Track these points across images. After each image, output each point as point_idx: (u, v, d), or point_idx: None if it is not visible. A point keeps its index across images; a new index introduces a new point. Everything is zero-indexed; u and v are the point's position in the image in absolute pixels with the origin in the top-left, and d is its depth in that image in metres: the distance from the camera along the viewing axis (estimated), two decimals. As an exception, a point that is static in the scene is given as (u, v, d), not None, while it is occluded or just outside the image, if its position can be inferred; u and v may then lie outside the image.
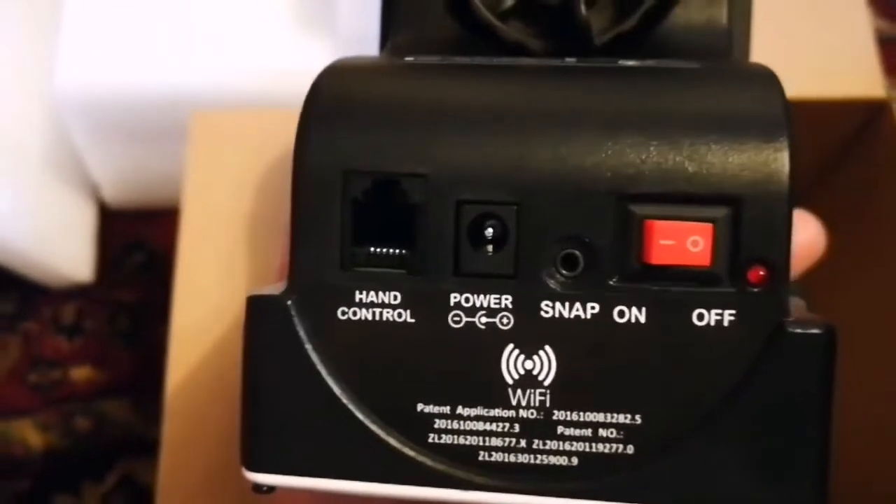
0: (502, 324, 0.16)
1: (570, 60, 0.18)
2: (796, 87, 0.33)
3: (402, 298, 0.16)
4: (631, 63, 0.18)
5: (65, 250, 0.51)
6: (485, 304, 0.16)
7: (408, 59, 0.19)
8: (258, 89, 0.42)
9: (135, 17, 0.44)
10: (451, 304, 0.16)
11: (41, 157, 0.48)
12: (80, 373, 0.51)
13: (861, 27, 0.35)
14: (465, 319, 0.16)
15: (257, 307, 0.17)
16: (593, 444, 0.16)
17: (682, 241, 0.15)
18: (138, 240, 0.55)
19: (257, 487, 0.17)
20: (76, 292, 0.53)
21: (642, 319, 0.16)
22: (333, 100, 0.17)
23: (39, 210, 0.48)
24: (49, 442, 0.49)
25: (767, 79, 0.17)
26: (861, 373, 0.35)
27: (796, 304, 0.16)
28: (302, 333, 0.16)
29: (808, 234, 0.22)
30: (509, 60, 0.18)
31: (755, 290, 0.16)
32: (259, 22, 0.44)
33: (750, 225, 0.15)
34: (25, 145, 0.47)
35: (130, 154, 0.49)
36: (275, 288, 0.17)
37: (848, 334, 0.39)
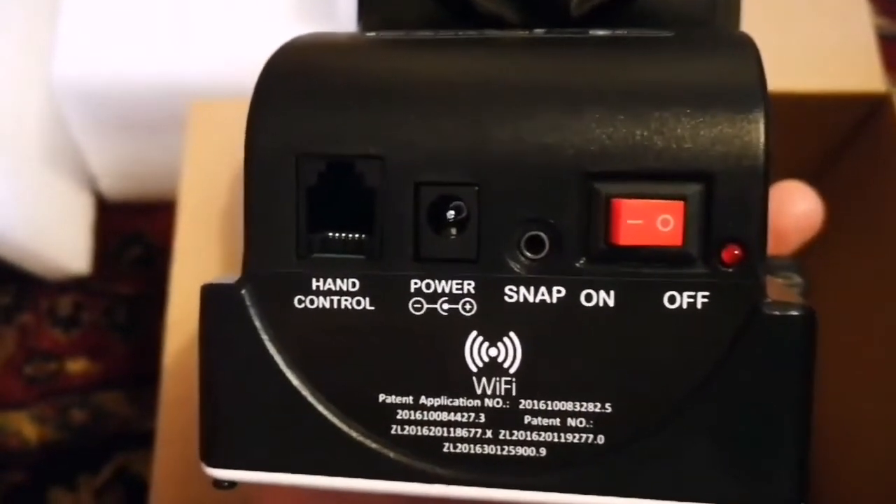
0: (465, 310, 0.15)
1: (539, 32, 0.18)
2: (797, 81, 0.34)
3: (361, 285, 0.16)
4: (600, 33, 0.17)
5: (62, 242, 0.51)
6: (446, 290, 0.15)
7: (369, 34, 0.18)
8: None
9: (133, 7, 0.44)
10: (412, 290, 0.15)
11: (38, 148, 0.48)
12: (77, 365, 0.51)
13: (861, 21, 0.35)
14: (426, 306, 0.15)
15: (211, 296, 0.16)
16: (562, 434, 0.15)
17: (652, 221, 0.15)
18: (136, 232, 0.55)
19: (217, 483, 0.16)
20: (73, 284, 0.53)
21: (611, 303, 0.15)
22: (285, 80, 0.16)
23: (36, 201, 0.48)
24: (45, 434, 0.49)
25: (742, 47, 0.16)
26: (859, 365, 0.35)
27: (774, 283, 0.16)
28: (257, 323, 0.16)
29: (806, 206, 0.22)
30: (473, 34, 0.18)
31: (729, 270, 0.15)
32: (258, 12, 0.44)
33: (723, 202, 0.15)
34: (23, 136, 0.47)
35: (129, 146, 0.49)
36: (231, 277, 0.16)
37: (848, 328, 0.39)
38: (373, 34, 0.18)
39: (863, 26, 0.35)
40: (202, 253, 0.33)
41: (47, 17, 0.46)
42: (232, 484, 0.16)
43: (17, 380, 0.51)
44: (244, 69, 0.43)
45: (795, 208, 0.22)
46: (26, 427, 0.50)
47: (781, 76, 0.36)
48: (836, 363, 0.37)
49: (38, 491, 0.48)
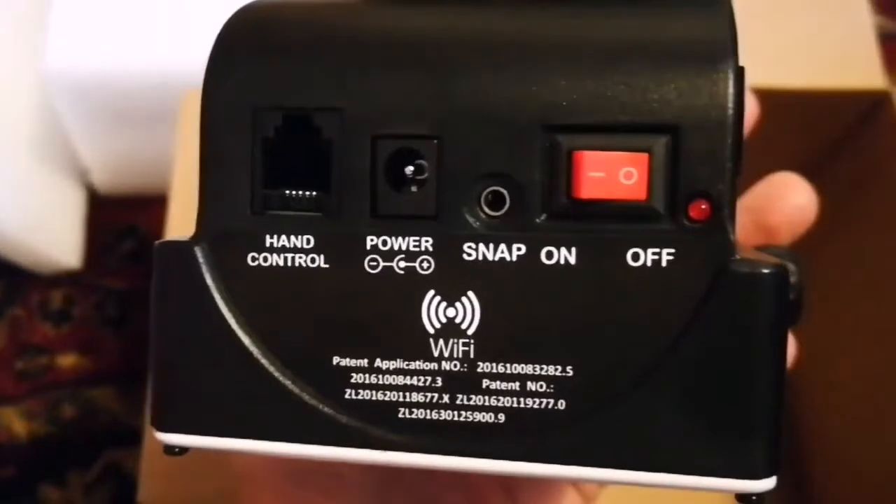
0: (422, 268, 0.15)
1: None
2: (797, 78, 0.33)
3: (316, 242, 0.15)
4: None
5: (53, 236, 0.51)
6: (403, 247, 0.15)
7: None
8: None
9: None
10: (368, 247, 0.15)
11: (30, 142, 0.48)
12: (67, 360, 0.51)
13: (861, 19, 0.35)
14: (382, 264, 0.15)
15: (163, 253, 0.15)
16: (521, 399, 0.15)
17: (615, 174, 0.14)
18: (128, 226, 0.54)
19: (168, 449, 0.16)
20: (64, 279, 0.52)
21: (572, 261, 0.14)
22: (243, 33, 0.15)
23: (28, 195, 0.48)
24: (34, 430, 0.49)
25: (715, 2, 0.15)
26: (857, 362, 0.35)
27: (751, 251, 0.15)
28: (209, 281, 0.15)
29: (799, 199, 0.21)
30: None
31: (697, 226, 0.14)
32: (253, 5, 0.44)
33: (689, 155, 0.14)
34: (14, 129, 0.47)
35: (121, 139, 0.48)
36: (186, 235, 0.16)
37: (848, 325, 0.38)
38: None
39: (863, 24, 0.35)
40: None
41: (39, 8, 0.45)
42: (183, 450, 0.16)
43: (8, 374, 0.50)
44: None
45: (789, 201, 0.21)
46: (16, 422, 0.49)
47: (782, 73, 0.36)
48: (832, 359, 0.36)
49: (27, 486, 0.48)
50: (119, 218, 0.54)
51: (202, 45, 0.47)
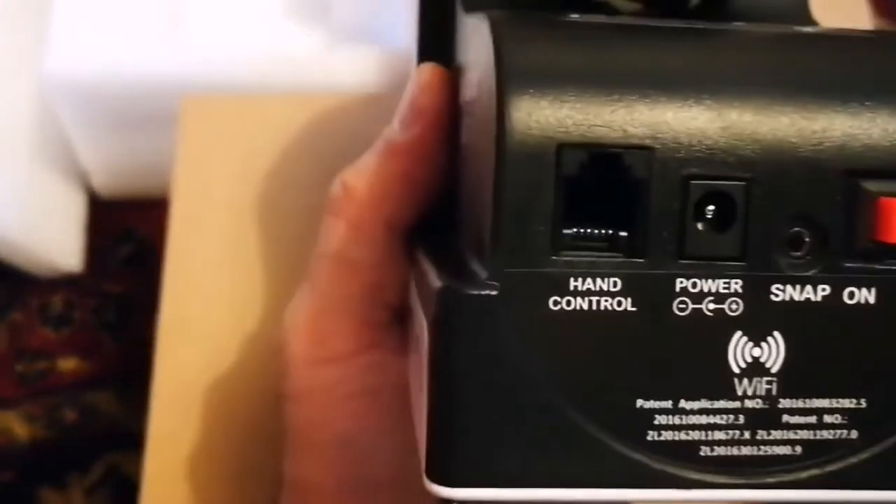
0: (731, 310, 0.15)
1: (721, 25, 0.17)
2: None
3: (623, 285, 0.15)
4: (804, 30, 0.17)
5: (53, 239, 0.51)
6: (713, 290, 0.15)
7: (571, 17, 0.17)
8: (251, 76, 0.42)
9: (126, 2, 0.44)
10: (677, 289, 0.15)
11: (29, 145, 0.48)
12: (67, 364, 0.51)
13: (860, 22, 0.35)
14: (691, 306, 0.15)
15: (454, 300, 0.15)
16: (818, 432, 0.15)
17: None
18: (128, 230, 0.54)
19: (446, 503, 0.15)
20: (64, 282, 0.52)
21: (872, 300, 0.15)
22: (534, 63, 0.15)
23: (27, 198, 0.47)
24: (34, 433, 0.49)
25: None
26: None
27: None
28: (509, 328, 0.15)
29: None
30: (684, 23, 0.17)
31: None
32: (252, 8, 0.44)
33: None
34: (13, 132, 0.47)
35: (121, 142, 0.48)
36: (445, 277, 0.15)
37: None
38: (575, 16, 0.17)
39: (861, 27, 0.35)
40: (195, 249, 0.33)
41: (38, 11, 0.45)
42: None
43: (8, 378, 0.50)
44: (237, 65, 0.43)
45: None
46: (16, 426, 0.49)
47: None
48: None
49: (27, 490, 0.47)
50: (119, 221, 0.54)
51: (201, 50, 0.47)
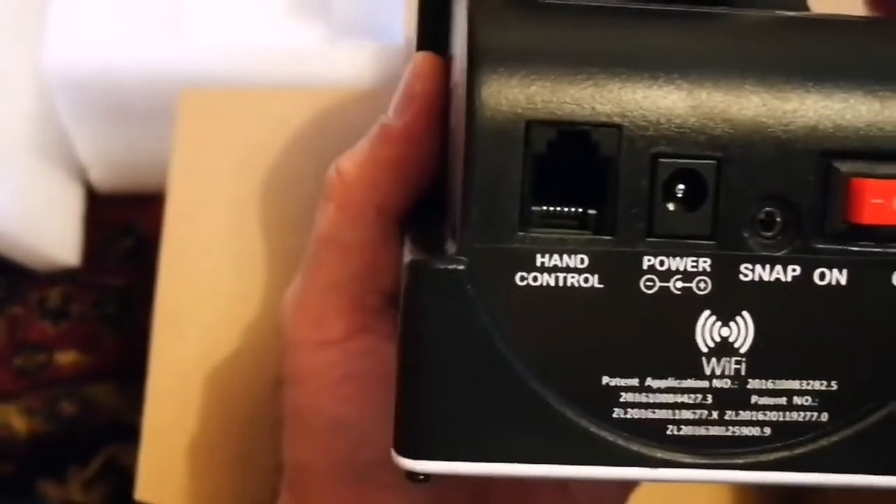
0: (699, 288, 0.15)
1: (702, 8, 0.17)
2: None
3: (590, 262, 0.15)
4: (779, 13, 0.17)
5: (52, 234, 0.51)
6: (681, 268, 0.15)
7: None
8: (250, 70, 0.42)
9: (125, -4, 0.44)
10: (644, 267, 0.15)
11: (28, 139, 0.48)
12: (66, 357, 0.51)
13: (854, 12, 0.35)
14: (658, 284, 0.15)
15: (423, 273, 0.15)
16: (787, 413, 0.15)
17: (890, 200, 0.15)
18: (127, 224, 0.54)
19: (413, 476, 0.16)
20: (63, 276, 0.52)
21: (843, 282, 0.15)
22: (509, 41, 0.15)
23: (26, 193, 0.48)
24: (34, 426, 0.49)
25: None
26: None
27: None
28: (476, 302, 0.15)
29: None
30: (674, 7, 0.17)
31: None
32: (250, 2, 0.44)
33: None
34: (11, 127, 0.47)
35: (120, 136, 0.48)
36: (416, 252, 0.15)
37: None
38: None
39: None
40: (191, 244, 0.33)
41: (36, 5, 0.45)
42: (427, 478, 0.16)
43: (7, 372, 0.50)
44: (236, 60, 0.43)
45: None
46: (15, 419, 0.49)
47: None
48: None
49: (26, 483, 0.48)
50: (117, 215, 0.54)
51: (200, 44, 0.47)
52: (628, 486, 0.22)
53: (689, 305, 0.15)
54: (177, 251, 0.32)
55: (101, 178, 0.52)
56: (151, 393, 0.30)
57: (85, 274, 0.53)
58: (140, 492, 0.29)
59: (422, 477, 0.16)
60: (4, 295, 0.52)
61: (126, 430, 0.49)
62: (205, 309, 0.31)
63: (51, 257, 0.51)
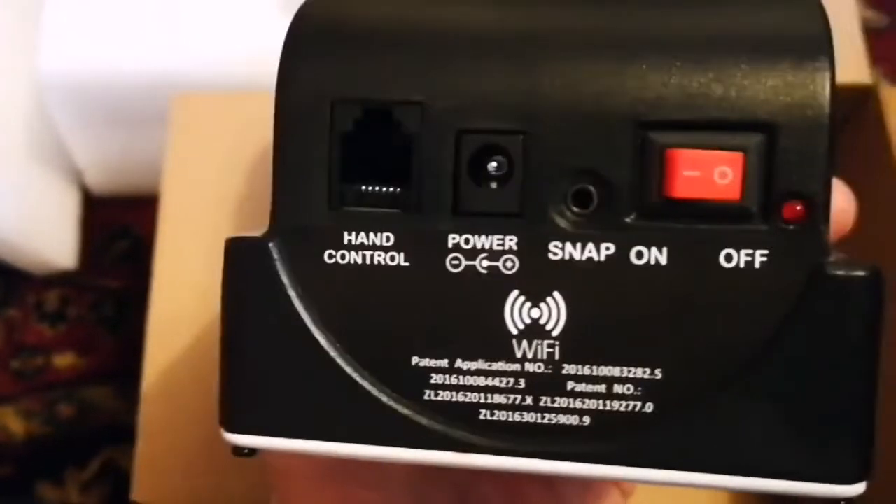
0: (506, 267, 0.14)
1: None
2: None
3: (396, 240, 0.15)
4: None
5: (48, 237, 0.51)
6: (486, 246, 0.14)
7: None
8: (244, 73, 0.42)
9: (120, 0, 0.44)
10: (450, 245, 0.14)
11: (24, 143, 0.48)
12: (64, 360, 0.51)
13: (848, 14, 0.35)
14: (464, 263, 0.14)
15: (236, 251, 0.15)
16: (608, 402, 0.14)
17: (709, 173, 0.14)
18: (123, 226, 0.54)
19: (237, 450, 0.15)
20: (60, 279, 0.53)
21: (663, 261, 0.14)
22: (318, 23, 0.15)
23: (23, 196, 0.48)
24: (32, 429, 0.49)
25: None
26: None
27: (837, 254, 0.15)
28: (285, 279, 0.15)
29: (841, 203, 0.20)
30: None
31: (791, 227, 0.14)
32: (244, 5, 0.44)
33: (785, 154, 0.14)
34: (8, 131, 0.47)
35: (115, 139, 0.49)
36: (258, 231, 0.15)
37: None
38: None
39: (849, 18, 0.35)
40: (185, 247, 0.33)
41: (32, 10, 0.45)
42: (252, 451, 0.15)
43: (4, 374, 0.50)
44: (231, 63, 0.43)
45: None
46: (13, 421, 0.49)
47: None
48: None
49: (24, 485, 0.48)
50: (113, 218, 0.54)
51: (195, 48, 0.47)
52: (619, 484, 0.22)
53: (497, 285, 0.14)
54: (170, 253, 0.32)
55: (97, 181, 0.53)
56: (146, 394, 0.30)
57: (82, 276, 0.53)
58: (136, 493, 0.29)
59: (246, 451, 0.15)
60: (2, 298, 0.52)
61: (124, 433, 0.49)
62: (198, 311, 0.31)
63: (48, 260, 0.51)
